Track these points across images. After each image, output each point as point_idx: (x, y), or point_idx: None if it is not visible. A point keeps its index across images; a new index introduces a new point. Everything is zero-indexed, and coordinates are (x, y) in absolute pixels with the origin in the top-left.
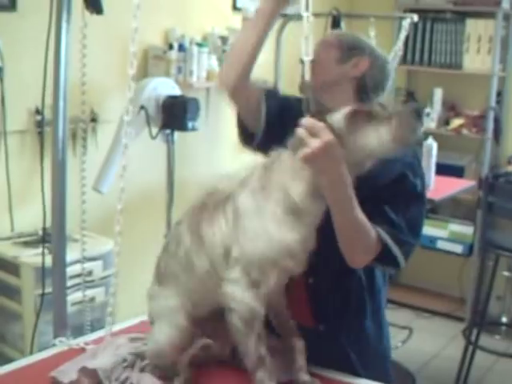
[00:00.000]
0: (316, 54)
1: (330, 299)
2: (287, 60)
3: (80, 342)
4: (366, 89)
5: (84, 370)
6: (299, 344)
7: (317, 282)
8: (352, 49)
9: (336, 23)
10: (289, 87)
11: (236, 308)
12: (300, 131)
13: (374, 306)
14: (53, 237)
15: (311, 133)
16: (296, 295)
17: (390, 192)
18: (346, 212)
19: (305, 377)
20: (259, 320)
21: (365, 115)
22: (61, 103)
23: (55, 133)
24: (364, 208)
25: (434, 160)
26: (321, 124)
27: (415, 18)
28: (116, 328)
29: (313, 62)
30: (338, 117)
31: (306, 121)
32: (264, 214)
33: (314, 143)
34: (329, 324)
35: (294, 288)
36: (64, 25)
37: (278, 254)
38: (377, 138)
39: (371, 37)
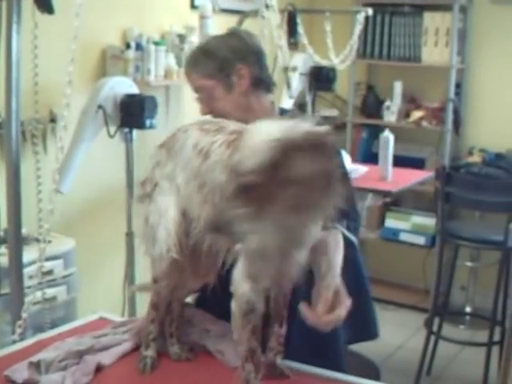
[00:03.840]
0: (201, 100)
1: None
2: None
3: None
4: (261, 84)
5: (31, 366)
6: (279, 329)
7: None
8: (225, 75)
9: (292, 19)
10: None
11: (236, 296)
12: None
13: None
14: (9, 237)
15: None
16: None
17: None
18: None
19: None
20: (257, 313)
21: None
22: (13, 105)
23: (8, 134)
24: None
25: (390, 152)
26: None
27: (369, 11)
28: (75, 324)
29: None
30: None
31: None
32: None
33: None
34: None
35: None
36: (14, 26)
37: None
38: None
39: (327, 31)
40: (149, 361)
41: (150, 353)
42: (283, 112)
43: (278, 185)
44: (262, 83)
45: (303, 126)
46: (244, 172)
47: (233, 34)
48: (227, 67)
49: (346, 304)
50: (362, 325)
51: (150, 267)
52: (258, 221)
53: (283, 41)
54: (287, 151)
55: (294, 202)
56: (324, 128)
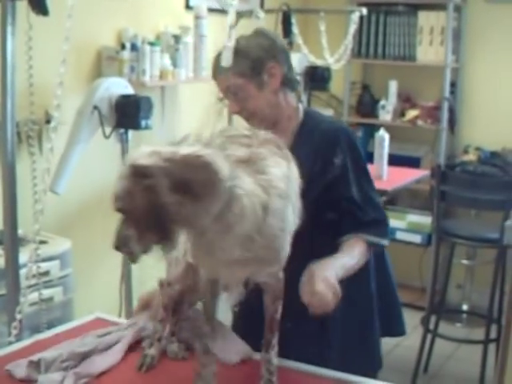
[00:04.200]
0: (236, 103)
1: (295, 297)
2: None
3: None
4: (289, 82)
5: (30, 364)
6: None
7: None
8: (261, 66)
9: (286, 19)
10: None
11: None
12: None
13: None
14: (5, 238)
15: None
16: None
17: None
18: (350, 272)
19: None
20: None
21: None
22: (8, 106)
23: (4, 135)
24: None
25: (386, 151)
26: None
27: (364, 11)
28: (72, 325)
29: (239, 112)
30: None
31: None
32: None
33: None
34: (295, 321)
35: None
36: (9, 28)
37: None
38: None
39: (321, 31)
40: (148, 359)
41: (152, 351)
42: None
43: (139, 208)
44: (290, 81)
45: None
46: (112, 198)
47: (261, 33)
48: (259, 66)
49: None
50: (391, 321)
51: (166, 271)
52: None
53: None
54: (132, 176)
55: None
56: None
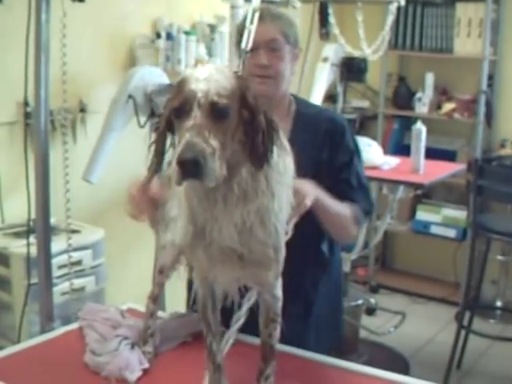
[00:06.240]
0: (267, 57)
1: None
2: None
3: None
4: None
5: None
6: None
7: None
8: (295, 43)
9: (323, 9)
10: None
11: None
12: None
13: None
14: (37, 227)
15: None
16: None
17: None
18: (326, 211)
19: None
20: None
21: None
22: (42, 94)
23: (37, 124)
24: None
25: (423, 144)
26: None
27: (402, 2)
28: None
29: (266, 67)
30: None
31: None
32: None
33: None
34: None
35: None
36: (43, 16)
37: None
38: None
39: (359, 22)
40: (147, 357)
41: (148, 349)
42: None
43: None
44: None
45: None
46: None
47: None
48: (297, 42)
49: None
50: None
51: (156, 255)
52: None
53: None
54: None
55: None
56: None
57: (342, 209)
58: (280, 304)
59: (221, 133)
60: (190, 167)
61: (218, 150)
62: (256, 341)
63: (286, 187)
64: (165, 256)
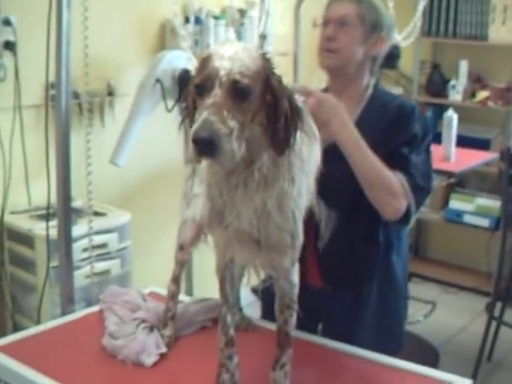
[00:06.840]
0: (334, 30)
1: (337, 262)
2: (307, 32)
3: None
4: (377, 63)
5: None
6: None
7: (325, 246)
8: (374, 27)
9: None
10: (308, 59)
11: None
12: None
13: (386, 268)
14: (58, 210)
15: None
16: (305, 257)
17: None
18: (361, 150)
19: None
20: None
21: None
22: (63, 76)
23: (58, 106)
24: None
25: (454, 132)
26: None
27: None
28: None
29: (331, 39)
30: None
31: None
32: None
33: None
34: (336, 285)
35: (303, 251)
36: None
37: None
38: None
39: (389, 8)
40: (166, 340)
41: (167, 332)
42: None
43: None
44: (376, 62)
45: None
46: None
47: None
48: (376, 27)
49: None
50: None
51: (178, 231)
52: None
53: None
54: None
55: None
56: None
57: (384, 169)
58: (296, 290)
59: (241, 113)
60: (205, 146)
61: (235, 131)
62: (273, 327)
63: (307, 175)
64: (185, 232)
